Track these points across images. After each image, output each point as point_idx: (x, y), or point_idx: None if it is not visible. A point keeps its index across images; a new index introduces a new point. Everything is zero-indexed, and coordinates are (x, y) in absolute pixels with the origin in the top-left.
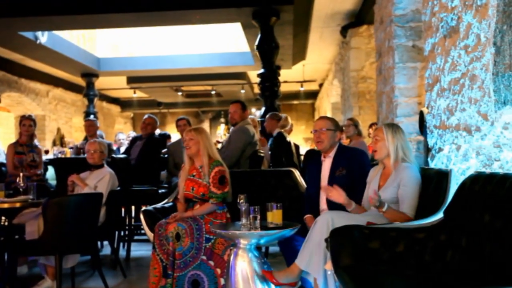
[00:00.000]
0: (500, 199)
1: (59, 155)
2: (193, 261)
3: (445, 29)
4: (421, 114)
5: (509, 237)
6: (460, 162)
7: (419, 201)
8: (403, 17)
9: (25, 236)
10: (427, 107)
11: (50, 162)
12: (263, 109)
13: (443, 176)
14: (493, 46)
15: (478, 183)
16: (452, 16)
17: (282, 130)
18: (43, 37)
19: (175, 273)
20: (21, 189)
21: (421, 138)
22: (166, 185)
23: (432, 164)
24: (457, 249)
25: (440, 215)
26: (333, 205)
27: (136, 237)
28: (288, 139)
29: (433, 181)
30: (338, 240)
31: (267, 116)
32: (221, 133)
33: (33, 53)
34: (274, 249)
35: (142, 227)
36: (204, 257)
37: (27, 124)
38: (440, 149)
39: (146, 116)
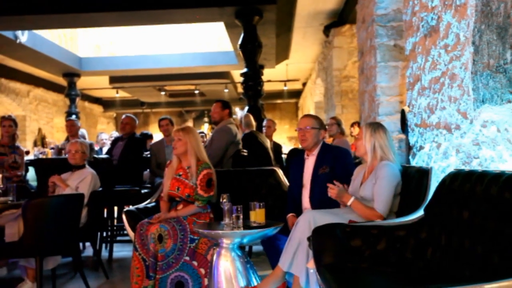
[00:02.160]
0: (478, 196)
1: (40, 156)
2: (176, 263)
3: (425, 29)
4: (403, 113)
5: (487, 234)
6: (440, 160)
7: (401, 199)
8: (384, 16)
9: (4, 238)
10: (409, 106)
11: (31, 163)
12: (246, 108)
13: (424, 174)
14: (472, 45)
15: (457, 181)
16: (432, 16)
17: (253, 130)
18: (23, 37)
19: (158, 274)
20: (0, 191)
21: (403, 136)
22: (148, 185)
23: (414, 162)
24: (437, 246)
25: (420, 213)
26: (315, 204)
27: (118, 238)
28: (258, 137)
29: (414, 179)
30: (320, 239)
31: None
32: (205, 132)
33: (13, 53)
34: (258, 248)
35: (124, 227)
36: (187, 258)
37: (6, 124)
38: (421, 147)
39: (124, 116)
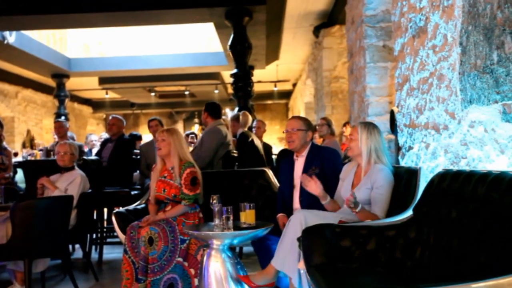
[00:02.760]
0: (466, 196)
1: (29, 158)
2: (169, 264)
3: (413, 29)
4: (392, 113)
5: (474, 233)
6: (429, 160)
7: (390, 199)
8: (373, 17)
9: None
10: (397, 106)
11: (20, 164)
12: (236, 109)
13: (413, 174)
14: (460, 46)
15: (445, 181)
16: (420, 17)
17: (246, 130)
18: (11, 37)
19: (149, 277)
20: None
21: (392, 137)
22: (138, 187)
23: (403, 162)
24: (426, 246)
25: (409, 213)
26: (305, 205)
27: (108, 240)
28: (251, 138)
29: (403, 179)
30: (310, 239)
31: (230, 119)
32: (195, 133)
33: (0, 54)
34: (248, 249)
35: (114, 229)
36: (180, 259)
37: None
38: (410, 148)
39: (110, 117)
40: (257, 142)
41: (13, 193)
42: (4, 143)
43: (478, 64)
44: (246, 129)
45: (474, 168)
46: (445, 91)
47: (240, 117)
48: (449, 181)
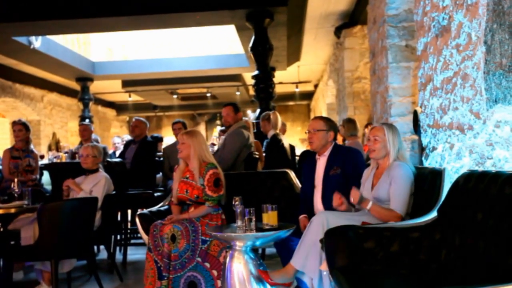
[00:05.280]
0: (492, 197)
1: (54, 160)
2: (189, 263)
3: (437, 29)
4: (415, 114)
5: (501, 235)
6: (453, 161)
7: (414, 200)
8: (395, 17)
9: (20, 241)
10: (421, 106)
11: (46, 167)
12: (258, 111)
13: (437, 175)
14: (484, 45)
15: (470, 182)
16: (443, 16)
17: (277, 131)
18: (37, 42)
19: (171, 274)
20: (16, 195)
21: (416, 137)
22: (161, 188)
23: (427, 163)
24: (451, 248)
25: (434, 214)
26: (328, 205)
27: (132, 241)
28: (282, 141)
29: (427, 180)
30: (333, 241)
31: (260, 118)
32: (217, 135)
33: (27, 58)
34: (271, 250)
35: (138, 230)
36: (199, 259)
37: (16, 129)
38: (434, 148)
39: (133, 119)
40: (286, 145)
41: (39, 194)
42: (31, 146)
43: (504, 63)
44: (277, 130)
45: (500, 169)
46: (469, 90)
47: (271, 116)
48: (474, 182)
